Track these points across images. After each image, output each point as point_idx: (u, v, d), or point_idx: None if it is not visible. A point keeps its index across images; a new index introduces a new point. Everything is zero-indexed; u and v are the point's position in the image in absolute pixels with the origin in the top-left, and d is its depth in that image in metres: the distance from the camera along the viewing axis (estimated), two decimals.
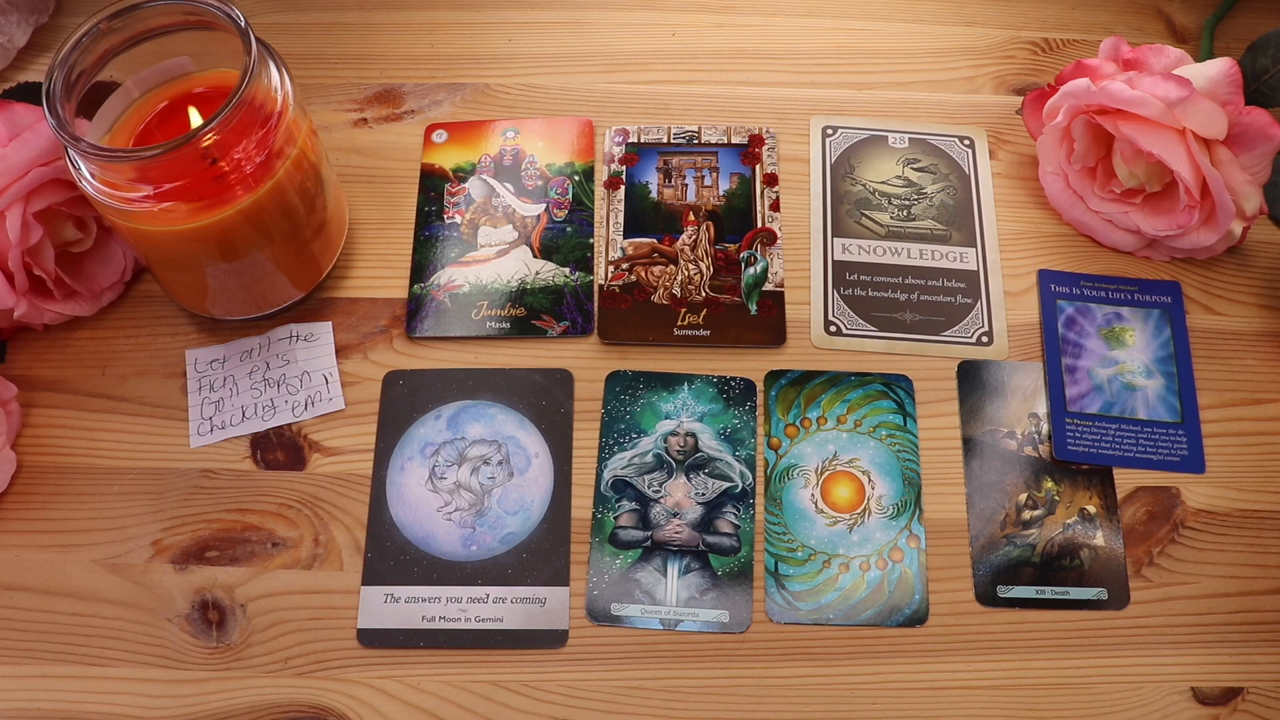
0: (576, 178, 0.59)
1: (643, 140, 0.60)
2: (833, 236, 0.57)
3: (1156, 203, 0.55)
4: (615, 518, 0.50)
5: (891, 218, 0.57)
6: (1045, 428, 0.52)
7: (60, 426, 0.52)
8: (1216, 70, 0.51)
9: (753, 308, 0.55)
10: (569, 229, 0.57)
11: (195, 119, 0.49)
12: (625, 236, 0.57)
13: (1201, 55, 0.61)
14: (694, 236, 0.57)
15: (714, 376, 0.53)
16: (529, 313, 0.54)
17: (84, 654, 0.47)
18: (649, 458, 0.51)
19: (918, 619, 0.48)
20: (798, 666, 0.47)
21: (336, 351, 0.53)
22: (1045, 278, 0.56)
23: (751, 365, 0.53)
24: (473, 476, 0.51)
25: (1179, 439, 0.52)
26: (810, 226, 0.57)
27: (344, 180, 0.58)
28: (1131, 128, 0.51)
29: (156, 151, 0.42)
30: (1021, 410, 0.52)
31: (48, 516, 0.50)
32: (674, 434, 0.52)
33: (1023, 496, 0.51)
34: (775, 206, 0.58)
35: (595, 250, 0.56)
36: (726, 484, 0.50)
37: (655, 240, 0.57)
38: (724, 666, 0.47)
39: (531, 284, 0.55)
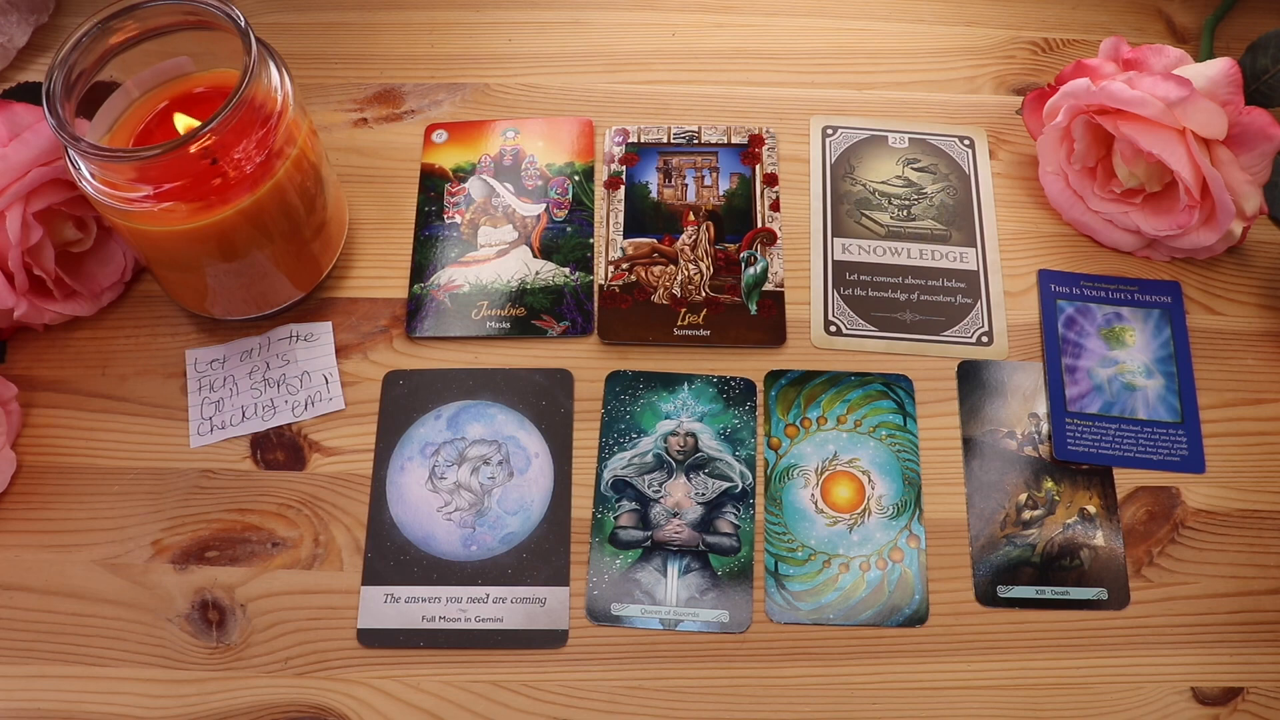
0: (576, 178, 0.59)
1: (643, 140, 0.60)
2: (833, 236, 0.57)
3: (1156, 203, 0.55)
4: (615, 518, 0.50)
5: (891, 218, 0.57)
6: (1045, 428, 0.52)
7: (60, 426, 0.52)
8: (1216, 70, 0.51)
9: (753, 308, 0.55)
10: (569, 229, 0.57)
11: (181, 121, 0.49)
12: (625, 236, 0.57)
13: (1201, 55, 0.61)
14: (694, 236, 0.57)
15: (714, 376, 0.53)
16: (529, 313, 0.54)
17: (84, 654, 0.47)
18: (649, 458, 0.51)
19: (918, 619, 0.48)
20: (798, 666, 0.47)
21: (336, 351, 0.53)
22: (1045, 278, 0.56)
23: (751, 365, 0.53)
24: (473, 476, 0.51)
25: (1179, 439, 0.52)
26: (810, 226, 0.57)
27: (344, 180, 0.58)
28: (1131, 128, 0.51)
29: (156, 151, 0.42)
30: (1021, 410, 0.52)
31: (48, 516, 0.50)
32: (674, 434, 0.52)
33: (1023, 496, 0.51)
34: (775, 206, 0.58)
35: (595, 250, 0.56)
36: (726, 484, 0.50)
37: (655, 240, 0.57)
38: (724, 666, 0.47)
39: (531, 284, 0.55)
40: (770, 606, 0.48)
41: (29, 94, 0.55)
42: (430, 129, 0.60)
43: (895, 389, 0.53)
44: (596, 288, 0.55)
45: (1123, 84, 0.51)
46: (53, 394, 0.53)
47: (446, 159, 0.59)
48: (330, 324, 0.54)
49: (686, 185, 0.58)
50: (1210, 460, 0.51)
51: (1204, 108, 0.50)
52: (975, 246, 0.57)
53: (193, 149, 0.43)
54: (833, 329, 0.54)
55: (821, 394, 0.53)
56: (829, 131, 0.60)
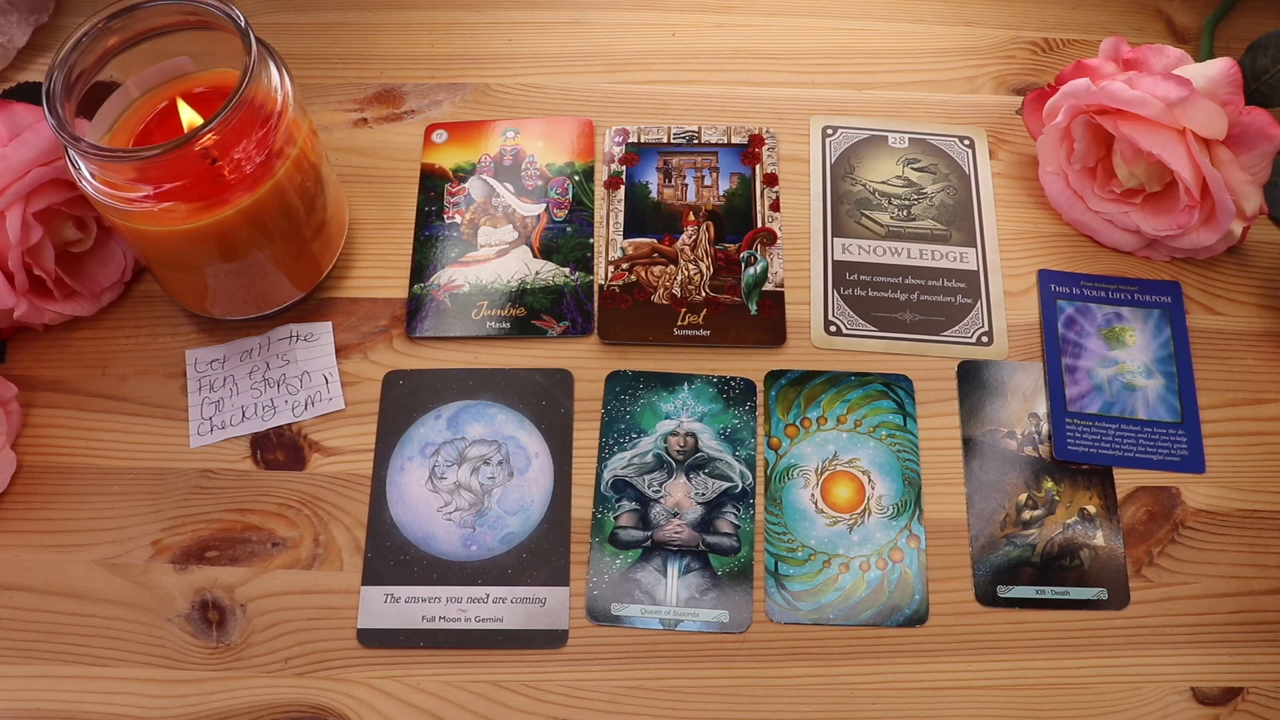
0: (576, 178, 0.59)
1: (643, 140, 0.60)
2: (833, 236, 0.57)
3: (1156, 203, 0.55)
4: (615, 518, 0.50)
5: (891, 218, 0.57)
6: (1045, 428, 0.52)
7: (60, 426, 0.52)
8: (1216, 70, 0.51)
9: (753, 308, 0.55)
10: (569, 229, 0.57)
11: (186, 112, 0.48)
12: (625, 236, 0.57)
13: (1201, 55, 0.61)
14: (694, 236, 0.57)
15: (714, 376, 0.53)
16: (529, 313, 0.54)
17: (84, 654, 0.47)
18: (649, 458, 0.51)
19: (918, 619, 0.48)
20: (798, 666, 0.47)
21: (336, 351, 0.53)
22: (1045, 278, 0.56)
23: (751, 365, 0.53)
24: (473, 476, 0.51)
25: (1179, 439, 0.52)
26: (810, 226, 0.57)
27: (344, 180, 0.58)
28: (1131, 128, 0.51)
29: (156, 151, 0.42)
30: (1021, 410, 0.52)
31: (48, 516, 0.50)
32: (674, 434, 0.52)
33: (1023, 496, 0.51)
34: (775, 206, 0.58)
35: (595, 250, 0.56)
36: (726, 484, 0.50)
37: (655, 240, 0.57)
38: (724, 666, 0.47)
39: (531, 284, 0.55)
40: (770, 606, 0.48)
41: (29, 94, 0.55)
42: (430, 129, 0.60)
43: (895, 389, 0.53)
44: (596, 288, 0.55)
45: (1123, 84, 0.51)
46: (53, 394, 0.53)
47: (446, 159, 0.59)
48: (330, 324, 0.54)
49: (686, 185, 0.58)
50: (1210, 460, 0.51)
51: (1204, 108, 0.50)
52: (975, 246, 0.57)
53: (193, 149, 0.43)
54: (833, 329, 0.54)
55: (821, 394, 0.53)
56: (829, 131, 0.60)
